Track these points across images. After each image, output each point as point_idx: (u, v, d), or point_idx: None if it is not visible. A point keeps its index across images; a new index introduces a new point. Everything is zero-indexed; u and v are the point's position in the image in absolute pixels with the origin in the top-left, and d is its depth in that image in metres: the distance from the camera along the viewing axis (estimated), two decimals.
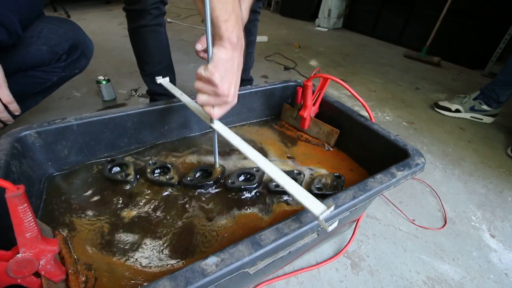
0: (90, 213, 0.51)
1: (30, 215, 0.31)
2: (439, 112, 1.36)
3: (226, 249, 0.32)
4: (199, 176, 0.58)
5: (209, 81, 0.38)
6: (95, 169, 0.60)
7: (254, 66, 1.70)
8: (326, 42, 2.49)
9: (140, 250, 0.46)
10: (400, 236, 0.71)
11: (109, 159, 0.60)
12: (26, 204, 0.31)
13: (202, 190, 0.57)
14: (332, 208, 0.33)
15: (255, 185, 0.56)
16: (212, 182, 0.57)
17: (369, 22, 2.81)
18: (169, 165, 0.60)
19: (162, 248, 0.46)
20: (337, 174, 0.60)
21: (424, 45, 2.17)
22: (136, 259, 0.44)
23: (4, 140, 0.49)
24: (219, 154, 0.59)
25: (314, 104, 0.73)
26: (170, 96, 0.91)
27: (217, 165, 0.60)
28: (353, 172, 0.64)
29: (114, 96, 1.25)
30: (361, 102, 0.62)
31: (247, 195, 0.57)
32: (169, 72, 0.85)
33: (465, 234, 0.74)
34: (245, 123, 0.80)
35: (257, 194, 0.57)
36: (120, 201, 0.54)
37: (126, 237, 0.47)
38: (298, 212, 0.38)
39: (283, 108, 0.81)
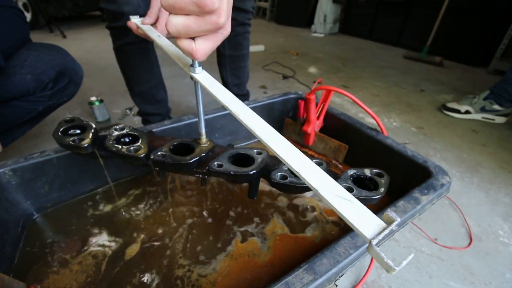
0: (73, 258, 0.45)
1: None
2: (448, 115, 1.29)
3: None
4: (175, 152, 0.43)
5: None
6: (80, 205, 0.55)
7: (252, 77, 1.66)
8: (323, 47, 2.45)
9: None
10: (423, 260, 0.63)
11: (68, 118, 0.47)
12: None
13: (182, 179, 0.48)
14: (395, 223, 0.19)
15: (252, 173, 0.39)
16: (191, 161, 0.40)
17: (366, 25, 2.78)
18: (138, 135, 0.46)
19: None
20: (377, 170, 0.40)
21: (424, 45, 2.12)
22: None
23: None
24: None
25: (318, 118, 0.67)
26: (163, 115, 0.87)
27: (203, 139, 0.44)
28: None
29: (108, 117, 1.20)
30: (375, 120, 0.56)
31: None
32: (160, 89, 0.81)
33: (494, 253, 0.66)
34: (245, 143, 0.74)
35: (253, 187, 0.46)
36: (105, 239, 0.48)
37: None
38: (311, 260, 0.31)
39: (285, 123, 0.75)
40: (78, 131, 0.46)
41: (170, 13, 0.26)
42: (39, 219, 0.51)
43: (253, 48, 2.19)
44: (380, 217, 0.19)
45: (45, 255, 0.46)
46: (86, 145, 0.42)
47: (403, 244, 0.67)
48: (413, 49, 2.29)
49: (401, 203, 0.40)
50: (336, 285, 0.32)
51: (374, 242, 0.18)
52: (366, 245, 0.33)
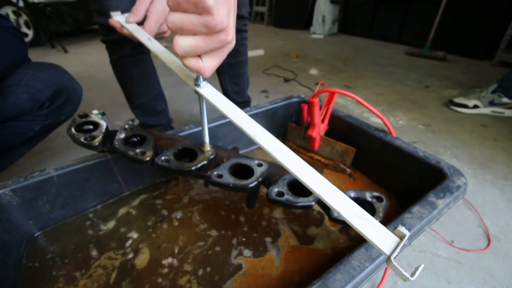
0: (82, 275, 0.44)
1: None
2: (456, 110, 1.26)
3: None
4: (179, 158, 0.44)
5: (195, 4, 0.23)
6: (84, 221, 0.53)
7: (253, 81, 1.65)
8: (323, 48, 2.44)
9: None
10: (440, 264, 0.61)
11: (81, 113, 0.48)
12: None
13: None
14: (406, 238, 0.21)
15: (250, 186, 0.39)
16: (193, 169, 0.41)
17: (365, 23, 2.76)
18: (146, 135, 0.47)
19: None
20: (377, 193, 0.40)
21: (426, 40, 2.10)
22: None
23: None
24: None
25: (322, 121, 0.65)
26: (164, 126, 0.86)
27: (207, 146, 0.44)
28: None
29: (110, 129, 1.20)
30: (383, 121, 0.54)
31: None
32: (160, 100, 0.80)
33: None
34: (247, 150, 0.73)
35: (251, 198, 0.46)
36: (111, 254, 0.47)
37: None
38: (323, 276, 0.29)
39: (288, 127, 0.73)
40: (91, 127, 0.47)
41: (176, 34, 0.25)
42: (42, 239, 0.50)
43: (252, 53, 2.19)
44: (392, 232, 0.22)
45: (51, 275, 0.44)
46: (97, 144, 0.44)
47: (418, 249, 0.64)
48: (414, 45, 2.26)
49: (416, 208, 0.37)
50: None
51: (392, 256, 0.20)
52: (382, 257, 0.31)
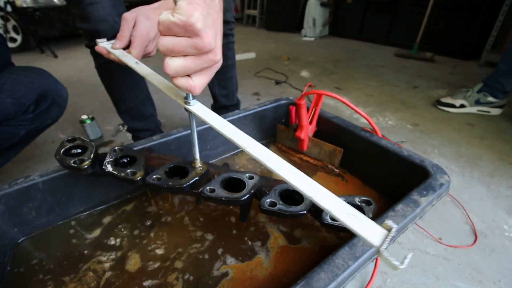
0: (71, 280, 0.43)
1: None
2: (443, 110, 1.29)
3: None
4: (170, 175, 0.45)
5: (184, 29, 0.24)
6: (71, 227, 0.53)
7: (244, 84, 1.65)
8: (314, 51, 2.46)
9: None
10: (429, 261, 0.62)
11: (69, 137, 0.49)
12: None
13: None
14: (395, 230, 0.22)
15: (242, 198, 0.40)
16: (185, 186, 0.41)
17: (355, 26, 2.81)
18: (135, 156, 0.48)
19: None
20: (366, 197, 0.41)
21: (414, 42, 2.14)
22: None
23: None
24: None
25: (310, 123, 0.66)
26: (153, 130, 0.85)
27: (198, 163, 0.45)
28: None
29: (100, 134, 1.18)
30: (368, 121, 0.54)
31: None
32: (147, 104, 0.79)
33: (501, 249, 0.65)
34: (237, 151, 0.73)
35: (244, 211, 0.47)
36: (99, 262, 0.46)
37: None
38: (308, 275, 0.30)
39: (277, 129, 0.74)
40: (79, 150, 0.47)
41: (166, 56, 0.27)
42: (28, 247, 0.49)
43: (244, 56, 2.20)
44: (381, 225, 0.23)
45: (38, 279, 0.44)
46: (86, 167, 0.44)
47: (406, 246, 0.65)
48: (403, 47, 2.30)
49: (399, 207, 0.38)
50: None
51: (382, 248, 0.21)
52: (366, 255, 0.32)
